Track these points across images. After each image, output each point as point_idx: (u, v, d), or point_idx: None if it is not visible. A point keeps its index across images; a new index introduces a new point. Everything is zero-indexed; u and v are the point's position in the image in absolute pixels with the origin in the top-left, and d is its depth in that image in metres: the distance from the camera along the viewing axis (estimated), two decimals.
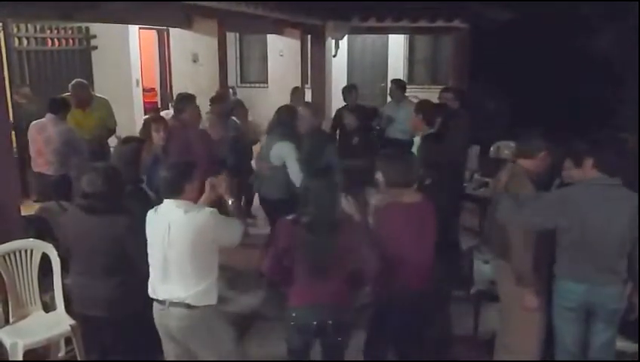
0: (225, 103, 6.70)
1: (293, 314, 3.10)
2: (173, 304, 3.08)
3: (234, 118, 6.66)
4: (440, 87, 8.45)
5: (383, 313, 3.36)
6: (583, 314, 3.30)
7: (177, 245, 3.02)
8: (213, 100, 6.55)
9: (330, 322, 3.04)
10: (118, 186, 3.28)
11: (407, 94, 7.67)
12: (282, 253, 3.07)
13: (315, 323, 3.05)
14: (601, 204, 3.11)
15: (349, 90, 7.39)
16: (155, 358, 3.47)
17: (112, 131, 6.40)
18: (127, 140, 4.10)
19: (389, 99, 8.00)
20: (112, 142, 6.60)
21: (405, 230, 3.18)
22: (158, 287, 3.13)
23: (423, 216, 3.25)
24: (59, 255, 3.91)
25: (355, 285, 3.15)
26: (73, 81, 6.32)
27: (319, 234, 2.98)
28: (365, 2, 9.90)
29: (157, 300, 3.15)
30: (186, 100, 5.46)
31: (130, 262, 3.22)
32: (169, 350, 3.27)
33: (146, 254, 3.14)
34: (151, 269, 3.15)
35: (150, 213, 3.15)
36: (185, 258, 3.03)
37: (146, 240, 3.14)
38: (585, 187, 3.20)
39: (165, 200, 3.11)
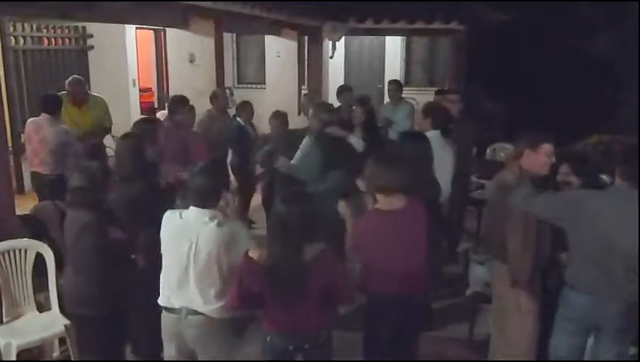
0: (223, 100, 6.69)
1: (268, 338, 2.93)
2: (190, 312, 3.01)
3: (238, 118, 6.64)
4: (437, 88, 8.45)
5: (374, 320, 3.30)
6: (584, 328, 3.17)
7: (205, 257, 2.93)
8: (212, 98, 6.55)
9: (306, 346, 2.87)
10: (94, 182, 3.21)
11: (402, 95, 7.68)
12: (247, 287, 2.80)
13: (291, 348, 2.88)
14: (619, 213, 2.93)
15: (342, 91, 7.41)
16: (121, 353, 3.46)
17: (107, 130, 6.37)
18: (127, 135, 4.12)
19: (386, 100, 8.00)
20: (107, 141, 6.60)
21: (386, 238, 3.08)
22: (175, 296, 3.03)
23: (409, 222, 3.14)
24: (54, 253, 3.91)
25: (328, 310, 2.95)
26: (70, 78, 6.26)
27: (284, 263, 2.71)
28: (362, 3, 9.91)
29: (170, 309, 3.05)
30: (180, 103, 5.56)
31: (103, 258, 3.17)
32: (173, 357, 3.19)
33: (110, 255, 3.12)
34: (166, 275, 3.06)
35: (172, 216, 3.03)
36: (210, 269, 2.95)
37: (107, 240, 3.12)
38: (607, 194, 3.06)
39: (193, 208, 2.98)
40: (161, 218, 3.07)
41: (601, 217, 2.95)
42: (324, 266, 2.77)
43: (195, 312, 3.00)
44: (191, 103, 5.75)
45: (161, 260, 3.07)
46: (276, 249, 2.74)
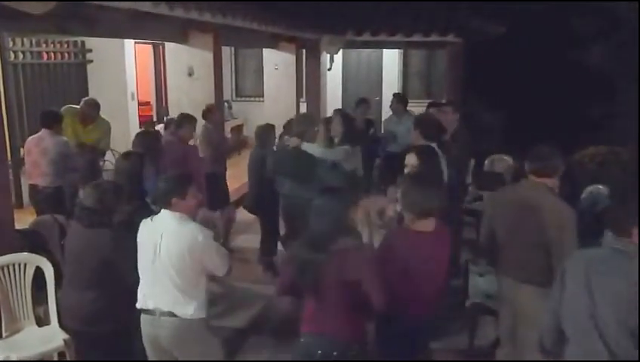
0: (217, 115, 6.74)
1: (301, 340, 3.03)
2: (163, 313, 3.09)
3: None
4: (432, 100, 8.49)
5: (384, 336, 3.28)
6: None
7: (166, 254, 3.04)
8: (205, 113, 6.59)
9: (335, 354, 2.91)
10: (111, 202, 3.28)
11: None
12: (286, 276, 3.04)
13: (319, 352, 2.94)
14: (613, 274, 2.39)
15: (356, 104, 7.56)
16: None
17: (102, 154, 6.48)
18: (127, 155, 4.14)
19: (384, 112, 8.08)
20: (107, 155, 6.64)
21: (413, 258, 3.04)
22: (148, 296, 3.13)
23: (436, 246, 3.11)
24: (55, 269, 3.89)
25: (363, 317, 3.02)
26: (87, 98, 6.53)
27: (313, 258, 2.86)
28: (360, 17, 9.98)
29: (146, 310, 3.14)
30: (188, 119, 5.78)
31: (116, 275, 3.21)
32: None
33: (133, 268, 3.16)
34: (141, 277, 3.16)
35: (145, 221, 3.19)
36: (173, 269, 3.04)
37: (133, 255, 3.16)
38: (593, 253, 2.55)
39: (163, 210, 3.13)
40: None
41: (582, 278, 2.46)
42: (349, 262, 2.83)
43: (169, 313, 3.07)
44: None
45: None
46: (302, 242, 2.95)
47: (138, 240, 3.17)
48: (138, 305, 3.17)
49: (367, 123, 7.86)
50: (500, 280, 3.70)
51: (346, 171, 5.16)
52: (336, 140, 5.35)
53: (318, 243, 2.87)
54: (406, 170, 3.95)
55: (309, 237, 2.95)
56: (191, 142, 6.02)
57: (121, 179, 3.83)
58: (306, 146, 5.17)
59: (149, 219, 3.19)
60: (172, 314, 3.07)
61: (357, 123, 6.69)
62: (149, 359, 3.26)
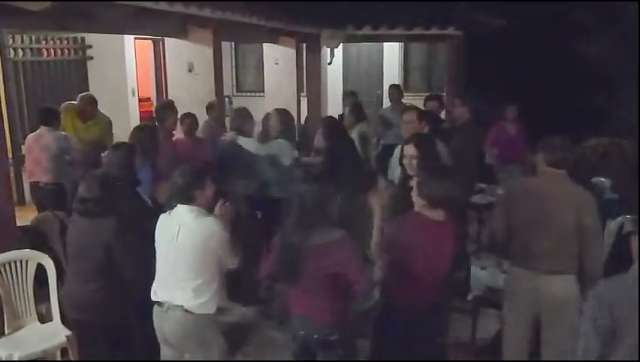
0: (219, 111, 6.73)
1: (292, 322, 3.16)
2: (171, 307, 3.11)
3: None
4: (431, 94, 8.49)
5: (385, 323, 3.33)
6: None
7: (183, 248, 3.06)
8: (208, 109, 6.59)
9: (315, 336, 3.03)
10: (110, 191, 3.28)
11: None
12: (273, 262, 3.14)
13: (302, 333, 3.08)
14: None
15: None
16: None
17: (105, 149, 6.46)
18: (118, 146, 4.14)
19: (385, 106, 8.12)
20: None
21: (422, 244, 3.11)
22: (160, 289, 3.17)
23: (444, 234, 3.18)
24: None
25: (345, 303, 3.10)
26: (84, 93, 6.52)
27: (296, 245, 2.97)
28: (360, 11, 9.95)
29: (157, 302, 3.17)
30: (168, 108, 5.61)
31: (117, 265, 3.22)
32: (167, 355, 3.27)
33: (134, 258, 3.21)
34: (157, 270, 3.20)
35: (162, 216, 3.21)
36: (189, 262, 3.07)
37: (135, 245, 3.21)
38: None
39: (178, 205, 3.14)
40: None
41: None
42: (336, 252, 2.94)
43: (177, 307, 3.09)
44: (189, 111, 5.82)
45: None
46: (288, 228, 3.02)
47: (156, 234, 3.20)
48: (152, 297, 3.20)
49: None
50: (515, 273, 3.56)
51: (284, 166, 5.15)
52: (273, 136, 5.35)
53: (300, 234, 2.96)
54: (405, 161, 3.96)
55: (292, 227, 3.02)
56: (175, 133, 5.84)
57: (112, 169, 3.84)
58: (241, 141, 5.15)
59: (166, 213, 3.20)
60: (180, 308, 3.08)
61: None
62: (162, 351, 3.27)
